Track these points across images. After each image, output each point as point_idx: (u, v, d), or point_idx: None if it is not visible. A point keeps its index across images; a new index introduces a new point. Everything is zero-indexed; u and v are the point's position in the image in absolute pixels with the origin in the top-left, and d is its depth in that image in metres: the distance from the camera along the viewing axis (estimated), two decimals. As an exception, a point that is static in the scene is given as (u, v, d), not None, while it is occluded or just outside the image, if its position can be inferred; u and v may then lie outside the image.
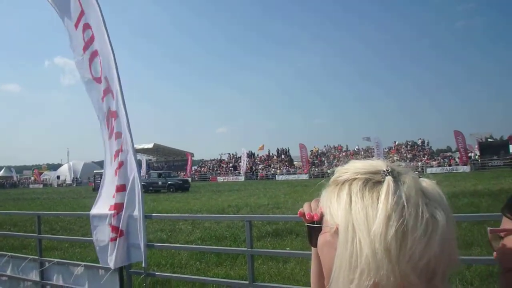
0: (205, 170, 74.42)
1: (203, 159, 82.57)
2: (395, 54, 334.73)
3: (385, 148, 59.83)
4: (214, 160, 78.21)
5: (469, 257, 4.31)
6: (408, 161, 53.12)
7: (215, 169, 73.71)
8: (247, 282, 4.38)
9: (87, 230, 10.30)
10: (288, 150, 72.93)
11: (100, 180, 5.08)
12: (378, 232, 0.70)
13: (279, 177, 60.49)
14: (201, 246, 9.14)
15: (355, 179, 0.79)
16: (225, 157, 77.44)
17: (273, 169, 66.15)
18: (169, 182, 39.95)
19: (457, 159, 54.85)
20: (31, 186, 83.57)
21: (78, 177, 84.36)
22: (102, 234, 4.76)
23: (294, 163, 69.62)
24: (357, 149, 66.83)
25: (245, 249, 4.51)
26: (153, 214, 6.41)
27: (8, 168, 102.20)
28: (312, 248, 0.95)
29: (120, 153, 4.61)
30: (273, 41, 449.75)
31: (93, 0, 4.64)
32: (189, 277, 6.25)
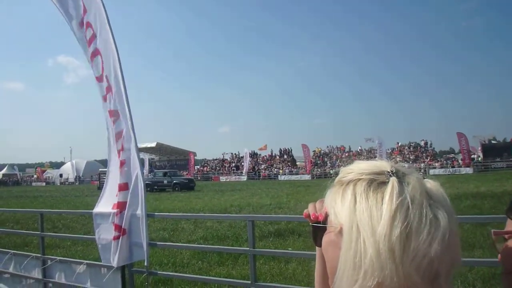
0: (208, 170, 74.43)
1: (205, 159, 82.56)
2: (395, 54, 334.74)
3: (388, 149, 59.75)
4: (216, 159, 78.21)
5: (471, 259, 4.31)
6: (410, 162, 52.96)
7: (218, 168, 73.73)
8: (249, 281, 4.39)
9: (89, 228, 10.34)
10: (291, 150, 72.93)
11: (105, 179, 5.07)
12: (382, 233, 0.70)
13: (281, 177, 60.48)
14: (203, 246, 9.14)
15: (359, 179, 0.79)
16: (227, 157, 77.45)
17: (275, 169, 66.12)
18: (174, 181, 39.84)
19: (460, 161, 54.73)
20: (33, 184, 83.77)
21: (81, 175, 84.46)
22: (105, 233, 4.77)
23: (297, 163, 69.57)
24: (359, 149, 66.72)
25: (247, 248, 4.51)
26: (156, 213, 6.43)
27: (11, 166, 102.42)
28: (317, 248, 0.95)
29: (123, 152, 4.61)
30: (273, 41, 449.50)
31: None
32: (191, 276, 6.27)
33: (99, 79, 4.84)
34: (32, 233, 8.08)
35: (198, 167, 77.15)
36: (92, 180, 73.96)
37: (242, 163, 68.29)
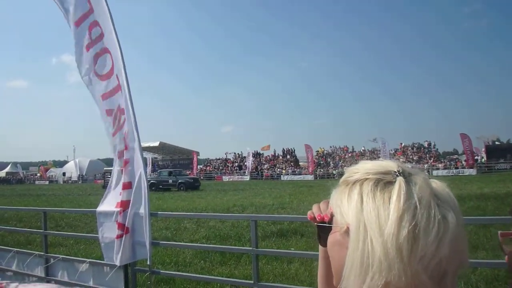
0: (211, 169, 74.41)
1: (208, 158, 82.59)
2: (394, 54, 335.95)
3: (391, 150, 59.60)
4: (219, 159, 78.17)
5: (474, 260, 4.29)
6: (414, 163, 52.91)
7: (220, 168, 73.70)
8: (251, 281, 4.40)
9: (92, 227, 10.36)
10: (294, 150, 72.87)
11: (109, 178, 5.09)
12: (390, 232, 0.70)
13: (284, 178, 60.43)
14: (205, 245, 9.15)
15: (366, 179, 0.79)
16: (230, 157, 77.41)
17: (278, 169, 66.07)
18: (179, 181, 39.73)
19: (463, 162, 54.59)
20: (37, 182, 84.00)
21: (84, 174, 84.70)
22: (108, 231, 4.78)
23: (300, 163, 69.50)
24: (363, 150, 66.64)
25: (250, 248, 4.51)
26: (159, 212, 6.44)
27: (15, 164, 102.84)
28: (320, 249, 0.95)
29: (127, 151, 4.63)
30: (276, 42, 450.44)
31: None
32: (193, 276, 6.28)
33: (105, 77, 4.84)
34: (35, 231, 8.09)
35: (201, 166, 77.11)
36: (95, 179, 74.18)
37: (245, 163, 68.22)
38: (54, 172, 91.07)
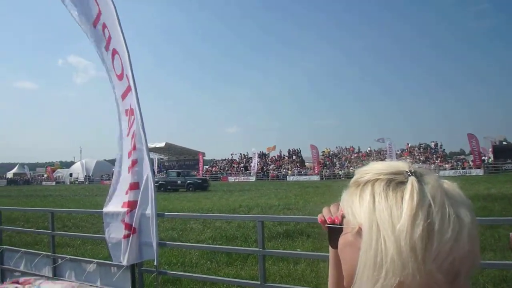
0: (216, 170, 74.40)
1: (214, 159, 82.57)
2: (395, 54, 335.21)
3: (398, 150, 59.35)
4: (225, 160, 78.16)
5: (482, 262, 4.26)
6: (420, 163, 52.35)
7: (226, 169, 73.69)
8: (258, 282, 4.39)
9: (99, 228, 10.40)
10: (300, 151, 72.69)
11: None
12: (403, 231, 0.70)
13: (290, 178, 60.35)
14: (212, 246, 9.15)
15: (377, 179, 0.79)
16: (236, 157, 77.38)
17: (284, 170, 65.98)
18: (188, 181, 39.68)
19: (470, 162, 54.29)
20: (44, 183, 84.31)
21: (91, 175, 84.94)
22: (115, 231, 4.80)
23: (306, 164, 69.35)
24: (369, 150, 66.39)
25: (257, 249, 4.51)
26: (166, 213, 6.45)
27: (22, 165, 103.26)
28: (331, 251, 0.94)
29: (134, 151, 4.64)
30: (282, 42, 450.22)
31: (109, 0, 4.68)
32: (200, 276, 6.28)
33: (120, 77, 4.86)
34: (43, 231, 8.13)
35: (207, 167, 77.13)
36: (102, 179, 74.36)
37: (251, 164, 68.18)
38: (61, 173, 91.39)
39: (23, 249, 6.45)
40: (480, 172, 49.47)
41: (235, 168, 72.33)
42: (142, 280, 5.14)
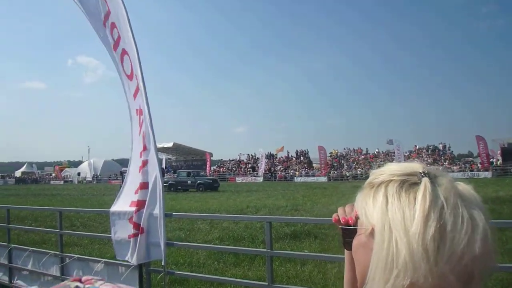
0: (224, 170, 74.49)
1: (221, 159, 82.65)
2: (397, 54, 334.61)
3: (406, 152, 59.16)
4: (233, 160, 78.23)
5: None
6: (428, 165, 52.34)
7: (234, 169, 73.74)
8: (266, 283, 4.37)
9: (106, 227, 10.40)
10: (307, 152, 72.64)
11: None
12: (416, 232, 0.70)
13: (297, 179, 60.35)
14: (219, 246, 9.14)
15: (391, 180, 0.79)
16: (244, 158, 77.43)
17: (291, 171, 65.98)
18: (198, 181, 39.65)
19: (478, 165, 54.02)
20: (52, 182, 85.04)
21: (98, 174, 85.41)
22: (121, 230, 4.81)
23: (313, 165, 69.27)
24: (377, 152, 66.24)
25: (265, 250, 4.49)
26: (173, 213, 6.45)
27: (30, 164, 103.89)
28: (346, 253, 0.95)
29: (144, 152, 4.65)
30: (290, 44, 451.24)
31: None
32: (207, 277, 6.27)
33: (130, 77, 4.87)
34: (51, 230, 8.16)
35: (215, 167, 77.27)
36: (109, 179, 74.75)
37: (258, 164, 68.21)
38: (69, 172, 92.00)
39: (31, 248, 6.48)
40: (488, 174, 49.24)
41: (242, 169, 72.35)
42: (150, 280, 5.15)
